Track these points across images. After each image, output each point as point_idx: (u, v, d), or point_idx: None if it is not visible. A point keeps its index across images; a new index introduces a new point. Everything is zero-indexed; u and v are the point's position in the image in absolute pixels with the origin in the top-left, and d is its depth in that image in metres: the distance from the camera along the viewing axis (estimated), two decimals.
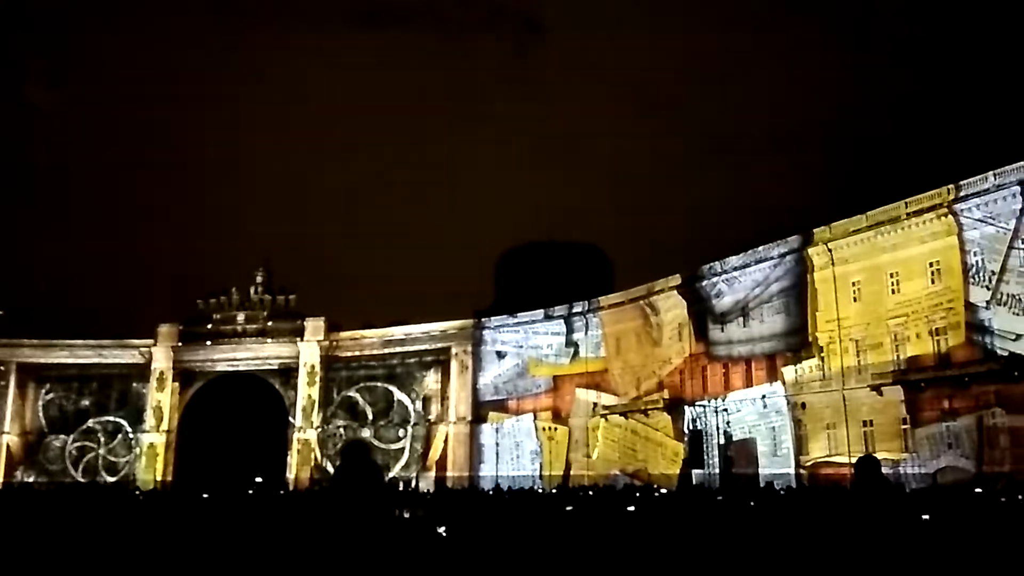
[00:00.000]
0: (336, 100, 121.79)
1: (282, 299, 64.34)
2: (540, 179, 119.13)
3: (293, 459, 59.60)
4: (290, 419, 61.32)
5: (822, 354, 39.68)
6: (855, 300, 38.72)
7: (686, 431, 45.17)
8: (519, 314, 58.06)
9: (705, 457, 41.88)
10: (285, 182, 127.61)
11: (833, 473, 35.73)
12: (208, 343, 63.35)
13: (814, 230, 41.16)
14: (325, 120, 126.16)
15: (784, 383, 41.10)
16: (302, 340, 62.36)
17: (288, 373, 62.41)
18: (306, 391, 61.30)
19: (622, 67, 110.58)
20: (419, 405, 60.26)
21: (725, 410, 43.23)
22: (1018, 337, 31.85)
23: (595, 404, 52.53)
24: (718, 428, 43.07)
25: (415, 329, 61.20)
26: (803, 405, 39.91)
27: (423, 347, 60.79)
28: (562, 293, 57.01)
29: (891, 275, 37.35)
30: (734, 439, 42.76)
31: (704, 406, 44.21)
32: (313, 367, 61.66)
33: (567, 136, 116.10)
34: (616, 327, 52.65)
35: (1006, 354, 32.04)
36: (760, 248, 44.00)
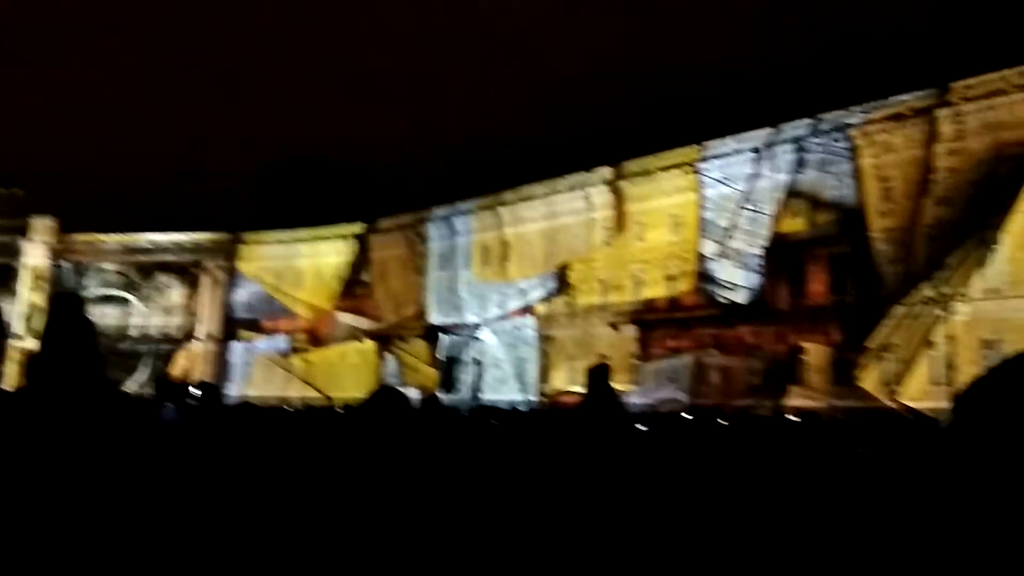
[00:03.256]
0: None
1: (3, 191, 56.73)
2: (309, 94, 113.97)
3: (11, 370, 53.52)
4: (8, 327, 54.83)
5: (571, 291, 42.40)
6: (606, 243, 41.58)
7: (442, 358, 46.51)
8: (283, 231, 55.91)
9: (456, 382, 43.43)
10: (11, 62, 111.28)
11: (571, 402, 38.58)
12: None
13: (565, 176, 43.70)
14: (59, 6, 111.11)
15: (536, 316, 43.47)
16: (26, 239, 55.63)
17: (6, 275, 55.55)
18: (28, 296, 55.02)
19: None
20: (162, 319, 56.47)
21: (478, 339, 44.91)
22: (736, 287, 36.05)
23: (354, 328, 52.32)
24: (471, 356, 44.69)
25: (164, 238, 56.83)
26: (551, 338, 42.52)
27: (171, 257, 56.73)
28: (330, 211, 55.55)
29: (638, 223, 40.50)
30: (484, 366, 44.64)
31: (459, 334, 45.65)
32: (38, 270, 55.38)
33: (340, 52, 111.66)
34: (383, 252, 52.49)
35: (725, 302, 36.21)
36: (527, 187, 45.69)
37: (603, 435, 5.79)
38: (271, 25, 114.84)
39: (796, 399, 32.17)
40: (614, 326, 39.38)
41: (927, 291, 30.31)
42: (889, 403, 29.75)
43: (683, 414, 20.15)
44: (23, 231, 55.80)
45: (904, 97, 32.44)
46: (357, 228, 53.64)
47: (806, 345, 33.53)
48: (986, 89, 30.26)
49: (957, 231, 29.93)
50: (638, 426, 9.49)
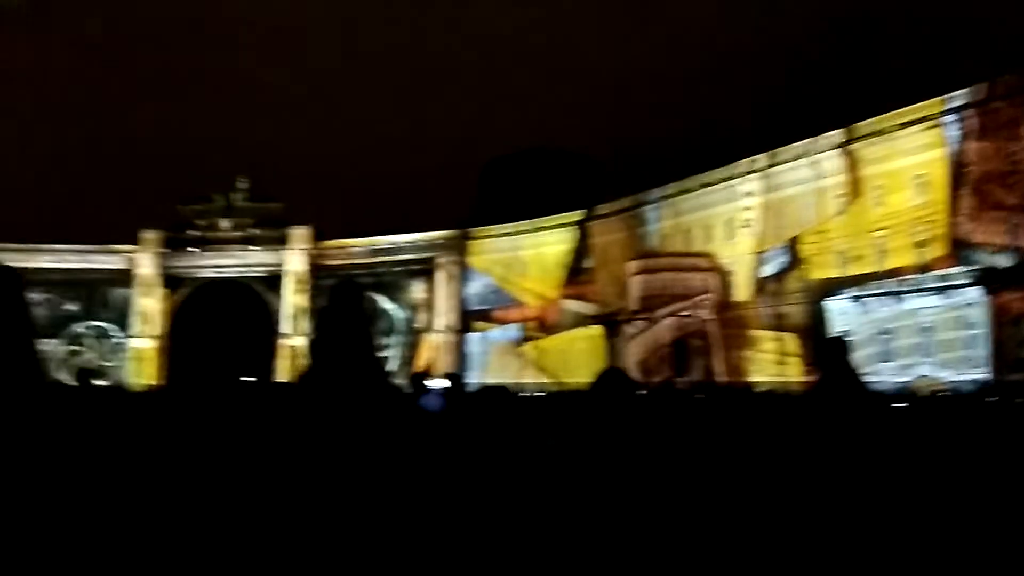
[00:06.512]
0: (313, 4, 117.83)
1: (267, 206, 63.85)
2: (526, 86, 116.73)
3: (281, 365, 60.25)
4: (277, 326, 61.77)
5: (805, 265, 40.18)
6: (840, 213, 38.92)
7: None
8: (507, 224, 58.07)
9: (688, 366, 42.77)
10: (266, 87, 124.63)
11: (806, 383, 36.69)
12: (193, 249, 63.13)
13: (795, 144, 41.30)
14: (300, 19, 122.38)
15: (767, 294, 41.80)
16: (287, 248, 62.25)
17: (274, 280, 62.54)
18: (292, 299, 61.56)
19: None
20: (406, 314, 60.77)
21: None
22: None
23: (580, 314, 53.23)
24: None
25: (401, 238, 61.16)
26: (785, 316, 40.64)
27: (409, 256, 60.91)
28: (552, 202, 56.77)
29: (875, 188, 37.48)
30: None
31: (687, 317, 44.89)
32: (299, 275, 61.77)
33: (553, 42, 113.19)
34: (603, 238, 52.88)
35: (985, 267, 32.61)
36: (746, 161, 43.93)
37: (847, 417, 5.50)
38: (485, 22, 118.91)
39: None
40: (857, 300, 36.82)
41: None
42: None
43: (945, 392, 18.47)
44: (284, 241, 62.52)
45: None
46: (577, 216, 54.41)
47: None
48: None
49: None
50: (892, 404, 8.86)
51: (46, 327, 60.75)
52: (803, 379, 35.02)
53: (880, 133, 37.26)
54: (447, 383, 9.26)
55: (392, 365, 58.19)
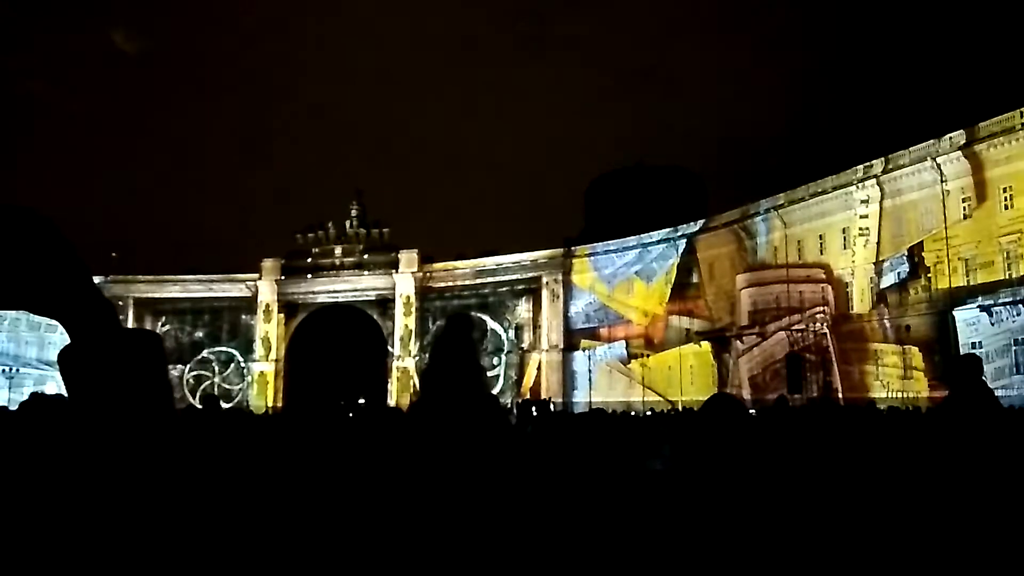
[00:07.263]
0: (413, 32, 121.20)
1: (376, 232, 65.73)
2: (623, 105, 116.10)
3: (393, 386, 61.79)
4: (388, 348, 63.33)
5: (928, 274, 38.16)
6: (965, 217, 36.82)
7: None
8: (610, 242, 57.76)
9: (803, 381, 41.19)
10: (374, 120, 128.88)
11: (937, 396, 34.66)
12: (309, 276, 65.63)
13: (914, 147, 39.32)
14: (404, 53, 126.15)
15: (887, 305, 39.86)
16: (397, 272, 63.84)
17: (385, 304, 64.24)
18: (403, 321, 63.05)
19: None
20: (512, 333, 61.18)
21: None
22: None
23: (688, 330, 52.23)
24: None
25: (505, 259, 61.74)
26: (907, 328, 38.69)
27: (514, 276, 61.39)
28: (655, 218, 56.21)
29: (1003, 190, 35.29)
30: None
31: (801, 331, 43.34)
32: (408, 298, 63.23)
33: (648, 62, 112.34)
34: (709, 252, 51.85)
35: None
36: (859, 168, 42.21)
37: (981, 436, 5.17)
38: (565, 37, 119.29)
39: None
40: (986, 310, 34.65)
41: None
42: None
43: None
44: (393, 265, 64.21)
45: None
46: (683, 230, 53.56)
47: None
48: None
49: None
50: None
51: (175, 354, 64.49)
52: (929, 395, 33.15)
53: (1006, 132, 35.13)
54: (535, 410, 9.31)
55: (498, 385, 58.70)
